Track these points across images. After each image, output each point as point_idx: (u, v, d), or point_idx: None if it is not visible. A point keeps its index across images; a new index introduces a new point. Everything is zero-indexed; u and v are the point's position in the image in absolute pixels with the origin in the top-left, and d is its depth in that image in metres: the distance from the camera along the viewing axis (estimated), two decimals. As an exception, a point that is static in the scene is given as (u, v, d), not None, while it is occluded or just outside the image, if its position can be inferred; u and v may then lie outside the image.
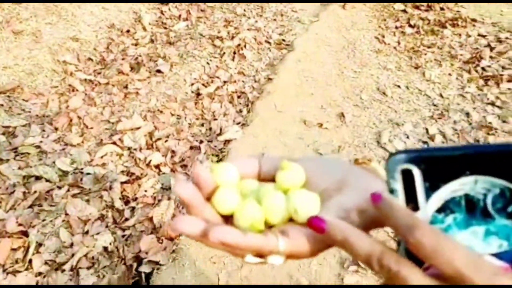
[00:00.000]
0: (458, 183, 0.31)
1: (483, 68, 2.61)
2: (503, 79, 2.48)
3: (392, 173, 0.32)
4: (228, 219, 0.38)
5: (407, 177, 0.32)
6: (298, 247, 0.35)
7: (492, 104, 2.34)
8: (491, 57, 2.68)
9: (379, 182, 0.39)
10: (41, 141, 2.15)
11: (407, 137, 2.16)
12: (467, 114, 2.29)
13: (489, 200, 0.31)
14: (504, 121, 2.21)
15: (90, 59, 2.80)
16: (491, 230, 0.30)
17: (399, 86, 2.55)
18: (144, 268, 1.58)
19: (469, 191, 0.31)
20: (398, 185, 0.32)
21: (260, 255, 0.35)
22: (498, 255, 0.30)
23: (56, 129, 2.26)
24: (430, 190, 0.32)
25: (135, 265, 1.61)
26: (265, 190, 0.38)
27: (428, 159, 0.31)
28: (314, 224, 0.34)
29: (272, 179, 0.41)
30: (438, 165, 0.31)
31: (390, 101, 2.44)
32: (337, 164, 0.41)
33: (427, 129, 2.19)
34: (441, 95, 2.46)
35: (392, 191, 0.33)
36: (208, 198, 0.38)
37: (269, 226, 0.37)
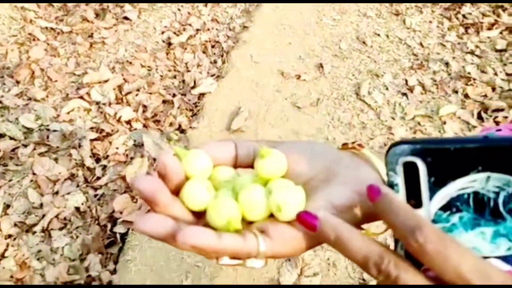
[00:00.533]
0: (468, 179, 0.28)
1: (463, 16, 2.55)
2: (483, 27, 2.44)
3: (393, 165, 0.29)
4: (200, 215, 0.33)
5: (410, 170, 0.28)
6: (280, 248, 0.31)
7: (472, 53, 2.30)
8: (472, 2, 2.61)
9: (371, 171, 0.35)
10: (2, 96, 2.01)
11: (386, 89, 2.12)
12: (447, 64, 2.25)
13: (500, 200, 0.28)
14: (482, 71, 2.18)
15: (50, 5, 2.59)
16: (501, 232, 0.28)
17: (379, 35, 2.47)
18: (119, 229, 1.54)
19: (479, 189, 0.28)
20: (399, 179, 0.29)
21: (238, 257, 0.31)
22: (505, 258, 0.28)
23: (18, 82, 2.11)
24: (435, 186, 0.28)
25: (109, 225, 1.57)
26: (242, 181, 0.33)
27: (435, 151, 0.28)
28: (305, 221, 0.30)
29: (250, 166, 0.36)
30: (446, 158, 0.28)
31: (369, 51, 2.37)
32: (324, 150, 0.36)
33: (406, 80, 2.15)
34: (421, 44, 2.40)
35: (391, 185, 0.29)
36: (176, 192, 0.33)
37: (247, 222, 0.33)
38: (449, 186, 0.28)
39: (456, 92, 2.10)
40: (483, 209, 0.28)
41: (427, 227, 0.26)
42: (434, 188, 0.28)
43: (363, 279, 1.29)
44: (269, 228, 0.31)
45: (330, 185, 0.33)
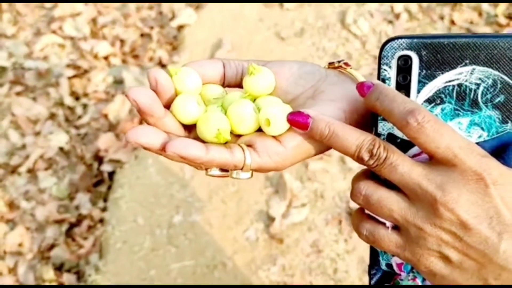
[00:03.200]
0: (455, 72, 0.31)
1: None
2: (471, -52, 2.34)
3: (387, 59, 0.31)
4: (191, 129, 0.35)
5: (403, 64, 0.31)
6: (266, 161, 0.33)
7: (459, -23, 2.23)
8: None
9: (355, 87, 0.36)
10: (-32, 33, 1.90)
11: (372, 16, 2.06)
12: (433, -11, 2.18)
13: (480, 91, 0.31)
14: (469, -4, 2.13)
15: None
16: (475, 121, 0.31)
17: (364, -42, 2.36)
18: (106, 167, 1.53)
19: (463, 81, 0.31)
20: (392, 73, 0.32)
21: (225, 169, 0.33)
22: (477, 144, 0.30)
23: (-16, 17, 1.98)
24: (424, 79, 0.31)
25: (95, 164, 1.56)
26: (231, 97, 0.35)
27: (429, 45, 0.30)
28: (297, 120, 0.32)
29: (238, 86, 0.38)
30: (438, 52, 0.30)
31: (354, -24, 2.27)
32: (311, 69, 0.37)
33: (392, 7, 2.09)
34: (407, -32, 2.30)
35: (383, 80, 0.32)
36: (167, 106, 0.34)
37: (235, 136, 0.35)
38: (437, 79, 0.31)
39: (443, 18, 2.05)
40: (463, 100, 0.31)
41: (423, 109, 0.29)
42: (422, 81, 0.31)
43: (350, 208, 1.34)
44: (256, 142, 0.33)
45: (316, 101, 0.35)
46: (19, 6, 2.04)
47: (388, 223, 0.31)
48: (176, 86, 0.33)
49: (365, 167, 0.32)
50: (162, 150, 0.31)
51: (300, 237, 1.31)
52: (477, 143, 0.31)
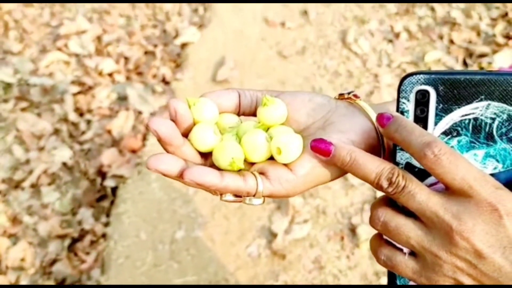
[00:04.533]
0: (471, 107, 0.32)
1: (450, -42, 2.49)
2: (469, -30, 2.39)
3: (406, 93, 0.33)
4: (207, 156, 0.37)
5: (421, 98, 0.33)
6: (277, 188, 0.35)
7: (457, -3, 2.28)
8: None
9: (365, 120, 0.38)
10: (-25, 50, 1.93)
11: (372, 36, 2.10)
12: (432, 9, 2.22)
13: (495, 125, 0.32)
14: (467, 16, 2.17)
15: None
16: (491, 154, 0.33)
17: (364, -21, 2.41)
18: (109, 182, 1.54)
19: (479, 115, 0.32)
20: (410, 106, 0.33)
21: (240, 196, 0.35)
22: (492, 175, 0.32)
23: (-9, 35, 2.02)
24: (441, 112, 0.33)
25: (99, 179, 1.57)
26: (245, 126, 0.36)
27: (446, 81, 0.32)
28: (319, 147, 0.34)
29: (252, 114, 0.39)
30: (455, 88, 0.32)
31: (354, -4, 2.32)
32: (322, 100, 0.39)
33: (392, 27, 2.13)
34: (406, -11, 2.35)
35: (402, 112, 0.33)
36: (186, 135, 0.36)
37: (248, 164, 0.36)
38: (454, 112, 0.32)
39: (442, 38, 2.09)
40: (479, 133, 0.33)
41: (440, 141, 0.31)
42: (440, 115, 0.33)
43: (352, 224, 1.34)
44: (268, 170, 0.35)
45: (326, 132, 0.36)
46: (25, 23, 2.08)
47: (405, 249, 0.33)
48: (194, 116, 0.35)
49: (384, 194, 0.34)
50: (180, 177, 0.33)
51: (302, 253, 1.31)
52: (492, 175, 0.32)
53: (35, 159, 1.61)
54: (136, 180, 1.50)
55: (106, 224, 1.44)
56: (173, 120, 0.35)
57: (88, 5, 2.21)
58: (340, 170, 0.36)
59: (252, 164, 0.36)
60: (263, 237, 1.35)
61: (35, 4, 2.16)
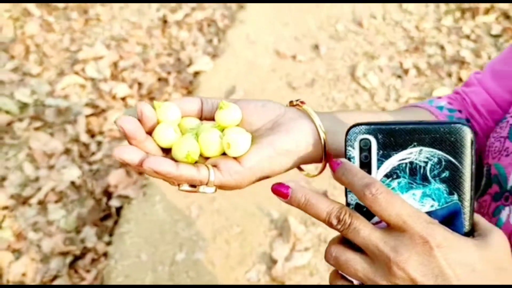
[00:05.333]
0: (406, 152, 0.36)
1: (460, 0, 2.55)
2: (479, 12, 2.44)
3: (351, 142, 0.37)
4: (168, 152, 0.41)
5: (364, 146, 0.37)
6: (227, 179, 0.39)
7: (467, 37, 2.32)
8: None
9: (309, 123, 0.43)
10: (-4, 70, 2.01)
11: (381, 71, 2.13)
12: (442, 48, 2.26)
13: (428, 167, 0.36)
14: (477, 56, 2.20)
15: (45, -20, 2.56)
16: (427, 193, 0.37)
17: (375, 17, 2.47)
18: (114, 202, 1.56)
19: (413, 160, 0.36)
20: (356, 152, 0.37)
21: (194, 185, 0.39)
22: (429, 213, 0.36)
23: (13, 57, 2.10)
24: (382, 157, 0.37)
25: (104, 199, 1.59)
26: (203, 127, 0.41)
27: (384, 130, 0.37)
28: (280, 189, 0.38)
29: (213, 119, 0.43)
30: (391, 136, 0.36)
31: (366, 33, 2.37)
32: (273, 106, 0.44)
33: (401, 63, 2.17)
34: (417, 28, 2.40)
35: (349, 158, 0.38)
36: (150, 134, 0.40)
37: (205, 158, 0.40)
38: (392, 158, 0.37)
39: (450, 75, 2.12)
40: (415, 175, 0.37)
41: (378, 182, 0.34)
42: (381, 160, 0.37)
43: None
44: (219, 163, 0.39)
45: (274, 133, 0.41)
46: (46, 48, 2.16)
47: (355, 281, 0.37)
48: (158, 117, 0.40)
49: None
50: (140, 165, 0.37)
51: (302, 281, 1.30)
52: (430, 212, 0.36)
53: (45, 177, 1.64)
54: (141, 201, 1.52)
55: (108, 243, 1.44)
56: (139, 120, 0.39)
57: (107, 33, 2.30)
58: (285, 166, 0.42)
59: (207, 159, 0.41)
60: (263, 263, 1.34)
61: (57, 30, 2.26)
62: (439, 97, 0.58)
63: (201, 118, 0.43)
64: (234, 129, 0.40)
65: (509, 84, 0.51)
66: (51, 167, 1.67)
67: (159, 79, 2.09)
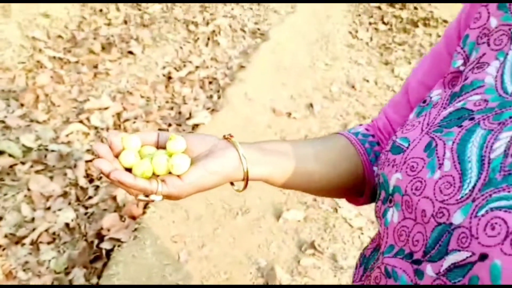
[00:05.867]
0: None
1: (448, 68, 2.70)
2: (466, 79, 2.58)
3: None
4: (130, 171, 0.52)
5: None
6: (171, 190, 0.49)
7: (454, 102, 2.43)
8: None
9: (234, 151, 0.52)
10: (5, 116, 2.11)
11: (372, 130, 2.22)
12: (430, 111, 2.37)
13: None
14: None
15: (60, 36, 2.75)
16: None
17: (368, 81, 2.61)
18: (105, 245, 1.59)
19: None
20: None
21: (147, 195, 0.49)
22: None
23: (22, 105, 2.22)
24: None
25: (96, 241, 1.62)
26: (157, 152, 0.53)
27: None
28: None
29: (165, 147, 0.55)
30: None
31: (358, 95, 2.50)
32: (210, 138, 0.55)
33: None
34: (407, 91, 2.53)
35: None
36: (118, 157, 0.52)
37: (156, 175, 0.52)
38: None
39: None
40: None
41: None
42: None
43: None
44: (166, 179, 0.50)
45: (208, 158, 0.51)
46: (54, 97, 2.29)
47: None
48: (123, 145, 0.51)
49: None
50: (109, 175, 0.47)
51: (285, 329, 1.30)
52: None
53: (40, 218, 1.68)
54: (131, 244, 1.55)
55: (96, 285, 1.46)
56: (110, 147, 0.51)
57: (114, 86, 2.44)
58: (215, 183, 0.51)
59: (158, 176, 0.52)
60: (247, 310, 1.35)
61: (66, 82, 2.40)
62: (360, 125, 0.66)
63: (157, 146, 0.54)
64: (178, 155, 0.51)
65: (401, 112, 0.59)
66: (47, 209, 1.72)
67: (160, 130, 2.18)
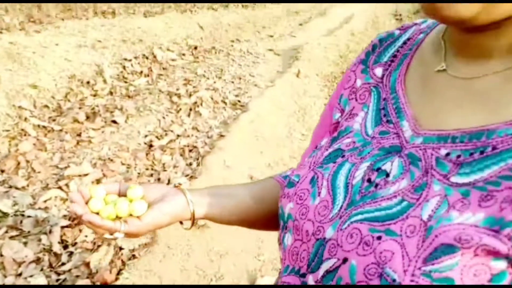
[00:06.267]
0: None
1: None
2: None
3: None
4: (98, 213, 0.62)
5: None
6: (132, 228, 0.59)
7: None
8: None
9: (182, 197, 0.63)
10: (-16, 182, 2.13)
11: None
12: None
13: None
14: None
15: (46, 106, 2.85)
16: None
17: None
18: (75, 313, 1.56)
19: None
20: None
21: (112, 233, 0.59)
22: None
23: (3, 171, 2.25)
24: None
25: (65, 309, 1.59)
26: (119, 199, 0.63)
27: None
28: None
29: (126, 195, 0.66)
30: None
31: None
32: (162, 186, 0.65)
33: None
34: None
35: None
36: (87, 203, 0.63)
37: (119, 217, 0.61)
38: None
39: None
40: None
41: None
42: None
43: None
44: (128, 219, 0.59)
45: (162, 202, 0.62)
46: (35, 164, 2.33)
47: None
48: (91, 194, 0.61)
49: None
50: (81, 217, 0.56)
51: None
52: None
53: (10, 284, 1.65)
54: (101, 311, 1.52)
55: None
56: (82, 196, 0.60)
57: (96, 153, 2.49)
58: (167, 222, 0.60)
59: (121, 218, 0.61)
60: None
61: (49, 149, 2.45)
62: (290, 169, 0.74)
63: (119, 194, 0.64)
64: (137, 201, 0.62)
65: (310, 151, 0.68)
66: (18, 275, 1.70)
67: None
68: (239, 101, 3.40)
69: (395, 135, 0.51)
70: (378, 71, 0.58)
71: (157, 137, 2.74)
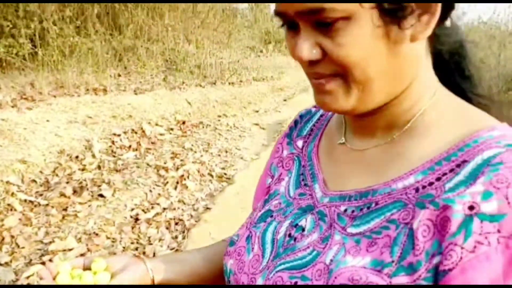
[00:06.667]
0: None
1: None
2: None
3: None
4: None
5: None
6: None
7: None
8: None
9: (143, 266, 0.68)
10: (-34, 259, 2.11)
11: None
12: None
13: None
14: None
15: (34, 181, 2.89)
16: None
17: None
18: None
19: None
20: None
21: None
22: None
23: (-14, 247, 2.23)
24: None
25: None
26: (84, 273, 0.68)
27: None
28: None
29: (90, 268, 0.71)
30: None
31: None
32: (125, 257, 0.70)
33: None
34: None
35: None
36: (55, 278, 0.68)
37: None
38: None
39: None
40: None
41: None
42: None
43: None
44: None
45: (124, 271, 0.67)
46: (20, 239, 2.32)
47: None
48: (58, 270, 0.65)
49: None
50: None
51: None
52: None
53: None
54: None
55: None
56: (50, 272, 0.65)
57: (81, 227, 2.50)
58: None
59: None
60: None
61: (34, 223, 2.46)
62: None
63: (84, 268, 0.69)
64: (101, 272, 0.67)
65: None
66: None
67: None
68: (225, 173, 3.48)
69: (310, 196, 0.61)
70: (299, 143, 0.70)
71: (143, 210, 2.76)
